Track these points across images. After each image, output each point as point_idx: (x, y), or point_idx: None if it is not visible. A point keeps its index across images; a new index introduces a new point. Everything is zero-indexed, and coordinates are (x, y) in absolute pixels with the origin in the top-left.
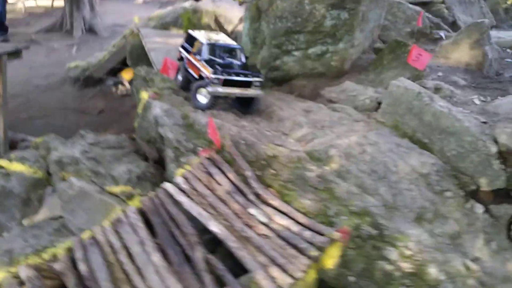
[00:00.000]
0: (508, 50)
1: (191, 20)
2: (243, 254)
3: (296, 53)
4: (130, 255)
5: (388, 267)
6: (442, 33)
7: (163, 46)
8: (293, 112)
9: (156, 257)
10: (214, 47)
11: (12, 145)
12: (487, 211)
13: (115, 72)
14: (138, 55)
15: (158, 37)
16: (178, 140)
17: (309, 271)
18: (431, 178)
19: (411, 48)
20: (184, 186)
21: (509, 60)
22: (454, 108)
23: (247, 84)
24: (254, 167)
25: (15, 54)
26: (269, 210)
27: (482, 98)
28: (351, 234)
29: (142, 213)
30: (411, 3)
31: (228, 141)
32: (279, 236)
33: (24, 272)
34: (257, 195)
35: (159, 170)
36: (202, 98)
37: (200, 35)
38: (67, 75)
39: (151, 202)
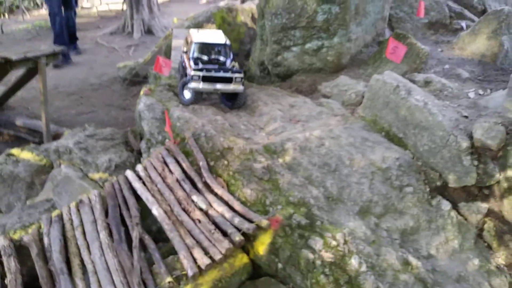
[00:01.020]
0: None
1: (225, 18)
2: (173, 235)
3: (294, 48)
4: (84, 232)
5: (311, 256)
6: (463, 23)
7: None
8: (277, 106)
9: (103, 235)
10: (202, 46)
11: (56, 138)
12: (455, 209)
13: None
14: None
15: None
16: (151, 132)
17: (239, 256)
18: (391, 172)
19: (388, 41)
20: (142, 173)
21: None
22: (432, 102)
23: (229, 80)
24: (209, 158)
25: (53, 55)
26: (211, 197)
27: (480, 92)
28: (282, 223)
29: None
30: None
31: (188, 133)
32: (212, 221)
33: (1, 242)
34: (205, 184)
35: (139, 160)
36: (187, 93)
37: (195, 34)
38: (117, 74)
39: (111, 187)
